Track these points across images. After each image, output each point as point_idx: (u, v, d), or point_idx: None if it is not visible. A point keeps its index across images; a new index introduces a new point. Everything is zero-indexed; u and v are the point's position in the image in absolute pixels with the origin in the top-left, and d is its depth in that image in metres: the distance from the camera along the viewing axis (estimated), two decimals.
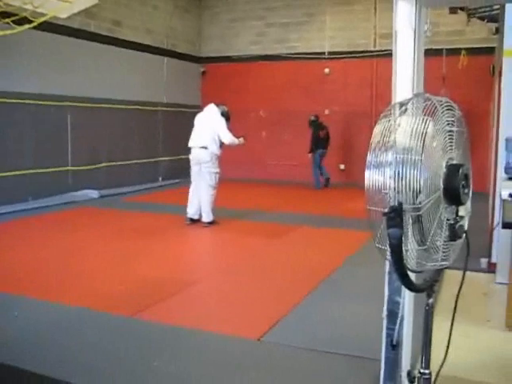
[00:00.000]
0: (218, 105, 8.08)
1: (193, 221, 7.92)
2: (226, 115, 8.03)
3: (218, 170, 7.86)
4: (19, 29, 6.00)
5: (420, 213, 1.65)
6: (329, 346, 3.65)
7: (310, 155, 12.54)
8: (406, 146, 1.69)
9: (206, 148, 7.73)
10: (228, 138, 7.84)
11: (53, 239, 7.01)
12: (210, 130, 7.78)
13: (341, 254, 6.23)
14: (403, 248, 1.66)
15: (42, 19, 6.14)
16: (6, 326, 3.97)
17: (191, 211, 7.92)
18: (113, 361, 3.45)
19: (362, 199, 1.78)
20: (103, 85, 11.25)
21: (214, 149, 7.78)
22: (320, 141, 12.58)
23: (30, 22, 6.00)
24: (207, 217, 7.80)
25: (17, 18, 6.10)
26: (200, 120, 8.02)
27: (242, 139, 8.13)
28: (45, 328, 3.96)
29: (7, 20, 6.09)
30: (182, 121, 13.91)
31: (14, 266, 5.66)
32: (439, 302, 3.88)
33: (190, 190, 7.97)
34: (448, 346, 2.13)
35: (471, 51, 11.42)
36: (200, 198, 7.81)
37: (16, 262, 5.82)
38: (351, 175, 13.14)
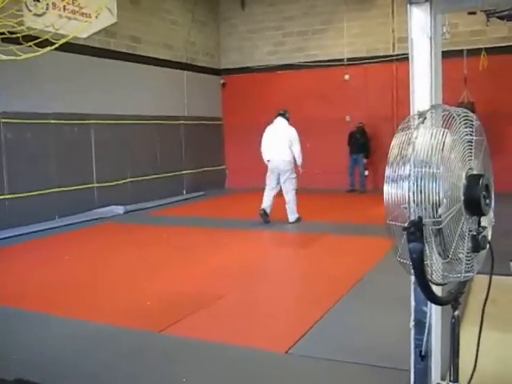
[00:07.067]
0: (284, 113, 9.12)
1: (265, 212, 8.70)
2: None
3: (295, 174, 8.97)
4: (42, 51, 6.08)
5: (441, 226, 1.63)
6: (356, 356, 3.62)
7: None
8: (424, 158, 1.68)
9: (286, 160, 8.74)
10: (299, 152, 8.83)
11: (79, 256, 7.09)
12: (286, 142, 8.75)
13: (367, 263, 6.17)
14: (425, 262, 1.64)
15: (63, 40, 6.23)
16: (34, 344, 4.03)
17: (265, 205, 8.78)
18: (142, 377, 3.47)
19: None
20: (125, 101, 11.38)
21: (292, 158, 8.84)
22: (352, 146, 12.95)
23: (52, 43, 6.08)
24: (293, 215, 8.76)
25: (39, 40, 6.19)
26: (273, 132, 8.94)
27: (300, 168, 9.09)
28: (72, 346, 4.01)
29: (30, 43, 6.19)
30: (204, 133, 14.03)
31: (41, 285, 5.74)
32: (469, 309, 3.83)
33: (266, 190, 8.87)
34: (477, 357, 2.10)
35: (493, 50, 11.29)
36: (285, 199, 8.79)
37: (43, 281, 5.91)
38: (375, 181, 13.04)
